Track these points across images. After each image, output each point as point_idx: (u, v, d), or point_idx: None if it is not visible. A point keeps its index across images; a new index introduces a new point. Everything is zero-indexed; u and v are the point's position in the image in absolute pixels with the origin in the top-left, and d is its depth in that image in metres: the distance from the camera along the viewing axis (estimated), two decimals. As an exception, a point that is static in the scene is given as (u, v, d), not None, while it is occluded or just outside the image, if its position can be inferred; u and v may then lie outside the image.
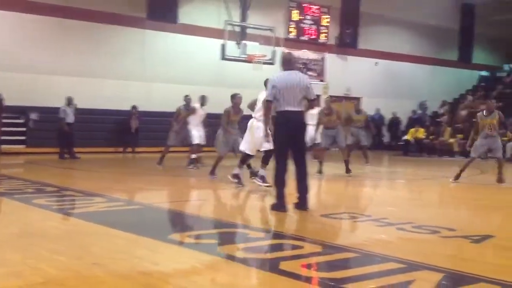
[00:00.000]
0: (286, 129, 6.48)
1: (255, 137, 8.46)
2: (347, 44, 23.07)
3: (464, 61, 26.90)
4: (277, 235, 5.64)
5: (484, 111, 10.43)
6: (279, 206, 6.47)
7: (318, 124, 11.78)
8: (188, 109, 12.76)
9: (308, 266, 4.14)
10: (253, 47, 18.76)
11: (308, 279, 3.85)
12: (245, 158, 8.91)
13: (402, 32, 24.70)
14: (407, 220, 6.24)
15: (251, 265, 4.17)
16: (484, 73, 27.42)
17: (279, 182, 6.53)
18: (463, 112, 22.86)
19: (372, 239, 5.32)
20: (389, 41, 24.24)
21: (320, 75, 22.33)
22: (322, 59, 22.58)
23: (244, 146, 8.81)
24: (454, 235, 5.44)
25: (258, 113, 8.45)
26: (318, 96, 22.42)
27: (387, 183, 11.36)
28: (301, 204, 6.51)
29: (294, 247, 4.85)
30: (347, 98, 22.83)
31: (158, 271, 3.97)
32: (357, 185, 10.69)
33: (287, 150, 6.58)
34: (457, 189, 10.48)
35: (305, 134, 6.91)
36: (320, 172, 11.23)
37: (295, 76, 6.52)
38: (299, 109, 6.51)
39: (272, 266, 4.13)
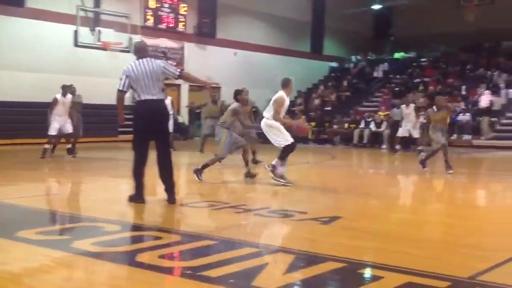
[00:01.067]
0: (146, 119, 6.30)
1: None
2: (205, 33, 23.18)
3: (316, 52, 28.33)
4: (135, 227, 5.56)
5: (434, 107, 10.55)
6: (137, 197, 6.35)
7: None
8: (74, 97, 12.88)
9: (166, 257, 4.13)
10: (108, 34, 18.17)
11: (165, 270, 3.84)
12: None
13: (259, 23, 25.37)
14: (263, 206, 6.47)
15: (107, 260, 4.06)
16: (334, 64, 29.10)
17: (137, 174, 6.39)
18: (316, 101, 24.15)
19: (230, 226, 5.44)
20: (246, 32, 24.78)
21: (179, 64, 22.21)
22: (181, 48, 22.49)
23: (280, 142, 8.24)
24: (305, 218, 5.74)
25: (270, 112, 8.29)
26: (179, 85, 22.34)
27: (245, 170, 11.61)
28: (169, 198, 6.35)
29: (152, 238, 4.81)
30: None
31: (6, 271, 3.73)
32: (218, 174, 10.84)
33: (147, 141, 6.40)
34: (311, 173, 11.03)
35: (166, 123, 6.73)
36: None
37: (149, 63, 6.33)
38: (159, 98, 6.35)
39: (129, 259, 4.07)
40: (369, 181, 10.47)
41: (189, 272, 3.73)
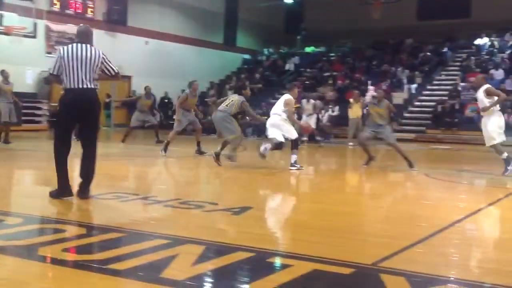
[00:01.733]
0: (72, 108, 5.85)
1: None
2: (116, 21, 22.57)
3: (229, 44, 28.38)
4: (38, 219, 5.31)
5: (376, 100, 10.42)
6: (63, 192, 5.88)
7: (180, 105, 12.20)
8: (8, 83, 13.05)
9: (70, 250, 3.98)
10: (11, 18, 17.22)
11: (68, 263, 3.70)
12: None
13: (171, 12, 25.04)
14: (174, 197, 6.40)
15: (7, 254, 3.86)
16: (246, 56, 29.30)
17: (61, 165, 5.88)
18: (229, 93, 24.22)
19: (139, 218, 5.34)
20: (158, 21, 24.37)
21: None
22: (90, 35, 21.76)
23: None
24: (216, 208, 5.75)
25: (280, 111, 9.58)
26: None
27: (159, 162, 11.49)
28: (82, 192, 5.96)
29: (56, 231, 4.62)
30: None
31: None
32: (129, 164, 10.62)
33: (71, 132, 6.02)
34: (223, 165, 11.04)
35: (97, 114, 6.15)
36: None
37: (87, 50, 5.81)
38: (90, 87, 5.79)
39: (30, 253, 3.89)
40: (280, 172, 10.64)
41: (95, 265, 3.62)
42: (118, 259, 3.74)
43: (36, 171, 9.16)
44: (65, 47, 5.91)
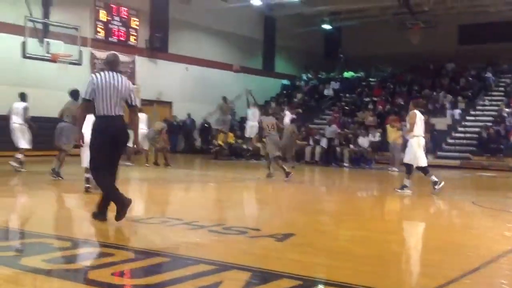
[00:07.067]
0: (106, 135, 5.94)
1: None
2: (157, 48, 23.04)
3: (268, 69, 28.59)
4: (86, 243, 5.40)
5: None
6: (100, 214, 6.09)
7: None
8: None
9: (119, 274, 4.04)
10: (57, 46, 17.76)
11: (118, 287, 3.75)
12: None
13: (211, 39, 25.41)
14: (217, 222, 6.43)
15: (57, 277, 3.94)
16: (285, 81, 29.44)
17: (109, 191, 6.01)
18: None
19: (184, 243, 5.38)
20: (199, 47, 24.75)
21: (130, 78, 21.96)
22: (132, 61, 22.26)
23: None
24: (260, 235, 5.74)
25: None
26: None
27: (198, 186, 11.57)
28: (119, 215, 5.95)
29: (105, 255, 4.70)
30: (158, 102, 22.88)
31: None
32: (168, 188, 10.71)
33: (107, 157, 6.06)
34: (264, 189, 11.05)
35: (127, 141, 6.34)
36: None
37: (117, 78, 6.03)
38: (120, 114, 6.02)
39: (80, 276, 3.96)
40: (320, 197, 10.57)
41: (143, 290, 3.66)
42: (164, 284, 3.78)
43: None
44: (98, 74, 6.07)
